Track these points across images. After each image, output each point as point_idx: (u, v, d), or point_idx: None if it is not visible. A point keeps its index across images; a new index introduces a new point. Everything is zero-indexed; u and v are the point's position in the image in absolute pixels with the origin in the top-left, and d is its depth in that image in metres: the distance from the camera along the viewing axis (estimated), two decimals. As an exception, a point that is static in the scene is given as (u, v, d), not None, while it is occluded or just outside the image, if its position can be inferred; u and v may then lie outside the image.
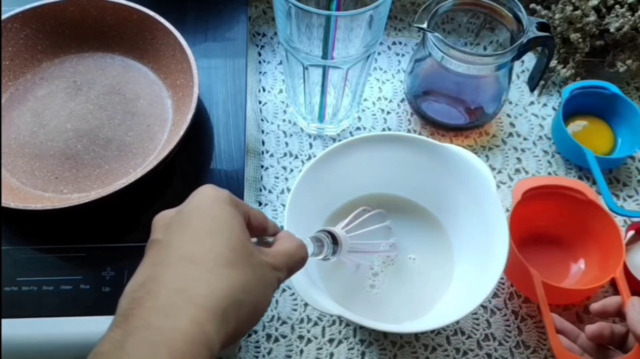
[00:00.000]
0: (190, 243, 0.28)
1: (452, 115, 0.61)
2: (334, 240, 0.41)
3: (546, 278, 0.47)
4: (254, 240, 0.34)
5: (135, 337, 0.24)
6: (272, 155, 0.59)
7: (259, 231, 0.34)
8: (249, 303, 0.28)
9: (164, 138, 0.52)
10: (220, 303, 0.26)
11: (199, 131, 0.52)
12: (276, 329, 0.49)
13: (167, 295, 0.26)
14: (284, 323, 0.49)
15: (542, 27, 0.53)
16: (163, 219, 0.30)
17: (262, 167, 0.58)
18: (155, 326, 0.25)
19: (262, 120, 0.61)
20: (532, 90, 0.63)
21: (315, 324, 0.50)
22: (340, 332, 0.49)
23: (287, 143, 0.60)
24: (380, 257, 0.50)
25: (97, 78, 0.54)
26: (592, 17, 0.60)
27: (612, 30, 0.60)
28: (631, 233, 0.52)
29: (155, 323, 0.25)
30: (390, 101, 0.64)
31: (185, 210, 0.30)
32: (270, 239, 0.35)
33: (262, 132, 0.60)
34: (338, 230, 0.42)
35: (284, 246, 0.33)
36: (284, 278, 0.31)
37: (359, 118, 0.62)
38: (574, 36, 0.61)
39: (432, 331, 0.49)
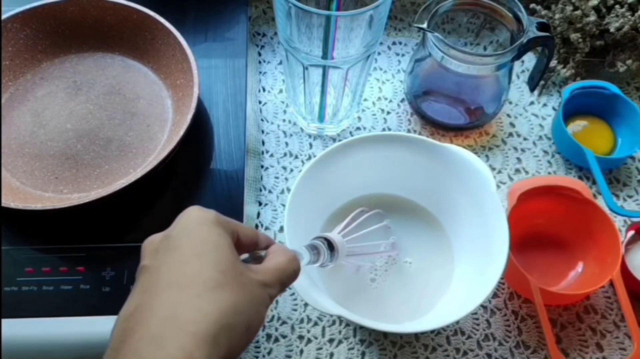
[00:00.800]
0: (179, 267, 0.28)
1: (452, 115, 0.61)
2: (331, 245, 0.40)
3: (544, 278, 0.47)
4: (245, 256, 0.33)
5: None
6: (272, 155, 0.59)
7: (250, 247, 0.33)
8: (241, 324, 0.27)
9: (164, 138, 0.52)
10: (210, 328, 0.26)
11: (199, 131, 0.52)
12: (276, 329, 0.49)
13: (157, 324, 0.26)
14: (284, 323, 0.49)
15: (542, 27, 0.53)
16: (151, 244, 0.30)
17: (262, 167, 0.58)
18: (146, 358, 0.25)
19: (262, 120, 0.61)
20: (532, 90, 0.63)
21: (315, 324, 0.50)
22: (340, 332, 0.49)
23: (287, 143, 0.60)
24: (382, 258, 0.50)
25: (97, 78, 0.55)
26: (592, 17, 0.60)
27: (612, 30, 0.60)
28: (631, 233, 0.52)
29: (146, 355, 0.25)
30: (390, 101, 0.64)
31: (172, 234, 0.29)
32: (262, 253, 0.34)
33: (262, 132, 0.60)
34: (334, 235, 0.42)
35: (275, 261, 0.32)
36: (275, 293, 0.31)
37: (359, 118, 0.62)
38: (574, 36, 0.61)
39: (432, 331, 0.49)
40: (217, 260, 0.28)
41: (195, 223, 0.29)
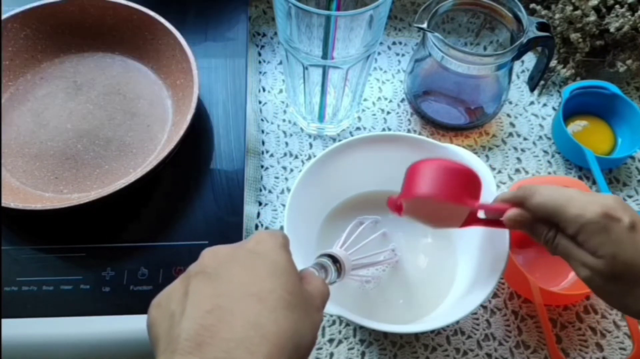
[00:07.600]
0: (254, 282, 0.28)
1: (452, 115, 0.61)
2: (335, 262, 0.40)
3: (544, 278, 0.47)
4: None
5: None
6: (272, 155, 0.59)
7: None
8: (304, 347, 0.28)
9: (164, 138, 0.52)
10: (287, 343, 0.26)
11: (199, 131, 0.52)
12: (276, 329, 0.49)
13: (243, 327, 0.26)
14: (284, 323, 0.49)
15: (542, 27, 0.53)
16: (216, 253, 0.30)
17: (262, 167, 0.58)
18: None
19: (262, 120, 0.61)
20: (532, 90, 0.63)
21: (315, 324, 0.49)
22: (340, 332, 0.49)
23: (287, 143, 0.60)
24: (387, 266, 0.50)
25: (97, 79, 0.54)
26: (592, 17, 0.60)
27: (612, 30, 0.60)
28: (631, 233, 0.52)
29: (237, 356, 0.25)
30: (390, 101, 0.64)
31: (242, 253, 0.30)
32: None
33: (262, 132, 0.60)
34: (337, 251, 0.41)
35: (313, 285, 0.32)
36: (322, 319, 0.32)
37: (359, 118, 0.62)
38: (574, 36, 0.61)
39: (432, 331, 0.49)
40: (287, 282, 0.29)
41: (268, 246, 0.31)
